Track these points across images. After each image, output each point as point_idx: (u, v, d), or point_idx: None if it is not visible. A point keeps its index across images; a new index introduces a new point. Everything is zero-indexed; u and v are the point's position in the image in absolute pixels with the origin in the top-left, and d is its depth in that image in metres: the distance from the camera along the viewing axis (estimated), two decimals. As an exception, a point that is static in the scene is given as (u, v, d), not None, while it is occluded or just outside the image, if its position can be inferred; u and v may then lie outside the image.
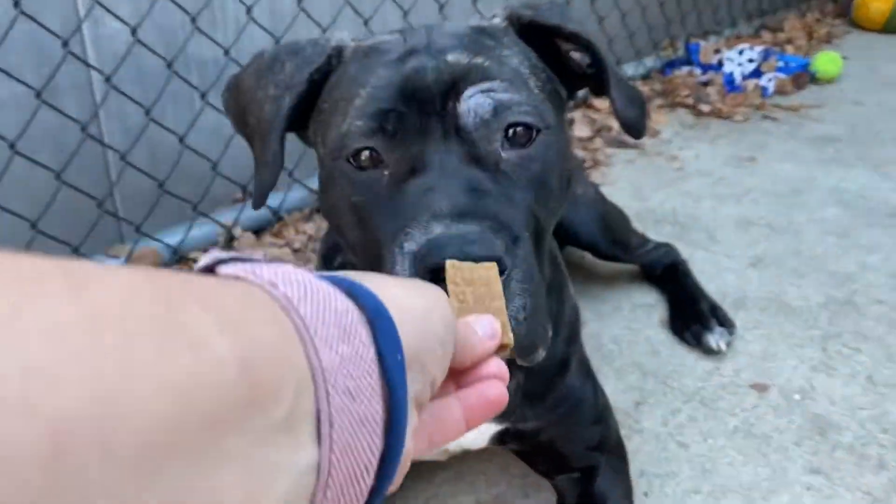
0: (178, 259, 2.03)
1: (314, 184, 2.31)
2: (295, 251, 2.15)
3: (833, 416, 1.64)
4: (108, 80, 1.76)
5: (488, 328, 0.61)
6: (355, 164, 0.90)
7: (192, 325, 0.32)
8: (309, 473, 0.38)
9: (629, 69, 3.47)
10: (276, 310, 0.39)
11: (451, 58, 0.90)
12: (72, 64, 1.74)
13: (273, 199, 2.21)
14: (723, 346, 1.79)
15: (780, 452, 1.54)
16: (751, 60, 3.49)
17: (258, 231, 2.18)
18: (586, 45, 1.01)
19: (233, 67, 2.02)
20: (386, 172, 0.89)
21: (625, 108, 1.01)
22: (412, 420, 0.46)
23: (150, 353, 0.29)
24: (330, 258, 1.24)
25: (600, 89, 1.04)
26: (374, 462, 0.41)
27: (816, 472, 1.50)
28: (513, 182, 0.88)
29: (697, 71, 3.51)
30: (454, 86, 0.88)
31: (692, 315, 1.86)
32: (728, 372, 1.77)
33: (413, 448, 0.47)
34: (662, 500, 1.43)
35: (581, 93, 1.37)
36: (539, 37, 1.02)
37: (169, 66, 1.86)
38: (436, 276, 0.72)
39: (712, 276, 2.09)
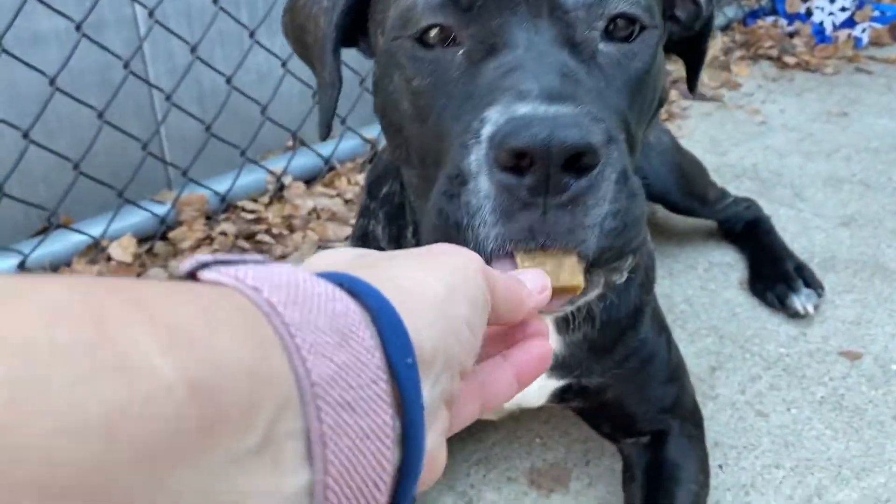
0: (226, 207, 1.96)
1: (368, 133, 2.20)
2: (346, 201, 2.04)
3: (938, 390, 1.45)
4: (151, 14, 1.67)
5: (538, 281, 0.54)
6: (421, 44, 0.74)
7: (126, 346, 0.28)
8: (299, 498, 0.34)
9: (708, 20, 3.23)
10: (257, 318, 0.34)
11: None
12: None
13: (325, 148, 2.11)
14: (810, 309, 1.61)
15: (874, 427, 1.37)
16: (843, 9, 3.21)
17: (309, 181, 2.09)
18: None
19: (282, 4, 1.92)
20: (460, 52, 0.73)
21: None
22: (437, 422, 0.43)
23: (62, 383, 0.26)
24: (376, 188, 1.12)
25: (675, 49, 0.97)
26: (387, 476, 0.37)
27: (918, 450, 1.32)
28: (608, 79, 0.74)
29: (783, 21, 3.25)
30: None
31: (776, 275, 1.68)
32: (815, 338, 1.59)
33: (441, 452, 0.45)
34: (739, 475, 1.28)
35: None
36: None
37: (215, 1, 1.76)
38: (517, 164, 0.59)
39: (798, 235, 1.90)
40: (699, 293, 1.73)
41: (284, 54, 1.95)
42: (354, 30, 0.90)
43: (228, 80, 1.85)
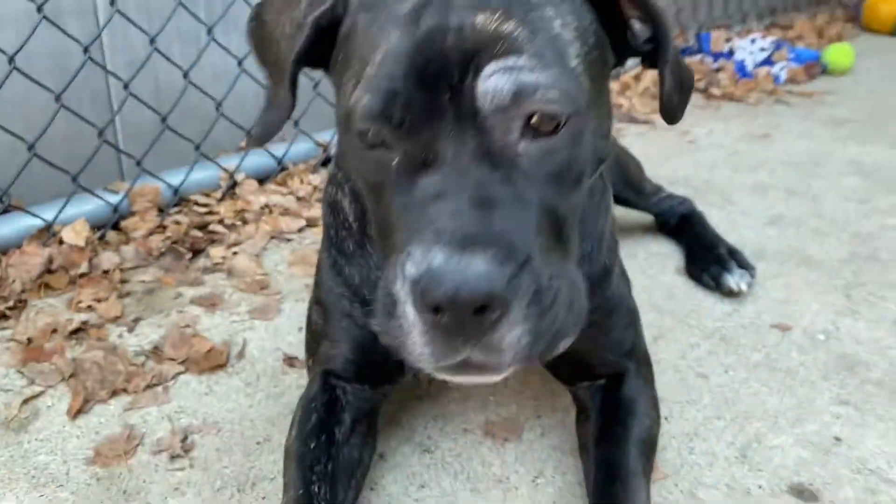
0: (179, 201, 1.97)
1: (321, 137, 2.26)
2: (299, 199, 2.09)
3: (861, 355, 1.55)
4: (112, 2, 1.71)
5: None
6: (363, 143, 0.83)
7: None
8: None
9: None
10: None
11: (478, 20, 0.79)
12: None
13: (278, 149, 2.16)
14: (743, 287, 1.72)
15: (806, 385, 1.46)
16: (762, 49, 3.47)
17: (262, 179, 2.13)
18: (653, 16, 0.92)
19: (240, 4, 1.99)
20: (395, 160, 0.81)
21: (672, 90, 0.94)
22: None
23: None
24: (342, 161, 1.17)
25: (653, 63, 0.96)
26: None
27: (845, 403, 1.41)
28: (529, 179, 0.80)
29: (709, 59, 3.48)
30: (474, 58, 0.78)
31: (710, 258, 1.79)
32: (749, 313, 1.69)
33: None
34: (683, 425, 1.35)
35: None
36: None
37: (176, -6, 1.83)
38: (434, 311, 0.73)
39: (729, 231, 2.02)
40: (640, 277, 1.82)
41: (241, 53, 2.01)
42: (320, 56, 0.94)
43: (185, 75, 1.89)
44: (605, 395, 1.21)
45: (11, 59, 1.59)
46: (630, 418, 1.17)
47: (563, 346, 0.82)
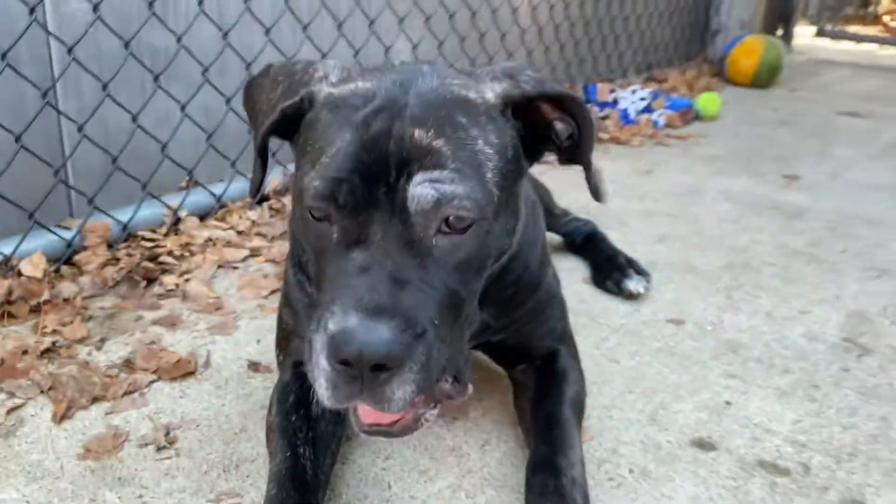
0: (127, 236, 2.10)
1: (256, 177, 2.43)
2: (239, 233, 2.25)
3: (742, 339, 1.85)
4: (70, 50, 1.86)
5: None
6: (311, 216, 1.03)
7: None
8: None
9: (536, 105, 3.79)
10: None
11: (416, 133, 0.98)
12: (32, 37, 1.85)
13: (217, 188, 2.32)
14: (641, 290, 2.00)
15: (699, 365, 1.74)
16: (642, 99, 3.89)
17: (203, 216, 2.27)
18: (574, 114, 1.08)
19: (183, 56, 2.16)
20: (335, 234, 1.02)
21: (595, 175, 1.14)
22: None
23: None
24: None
25: (570, 159, 1.14)
26: None
27: (732, 376, 1.69)
28: (439, 266, 1.00)
29: (596, 108, 3.87)
30: (408, 165, 0.97)
31: (612, 267, 2.07)
32: (647, 311, 1.97)
33: None
34: (601, 399, 1.59)
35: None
36: (527, 107, 1.08)
37: (126, 45, 1.98)
38: (341, 362, 0.92)
39: (624, 248, 2.30)
40: (554, 288, 2.07)
41: (183, 99, 2.18)
42: (284, 129, 1.14)
43: (134, 119, 2.04)
44: (541, 370, 1.44)
45: (-24, 103, 1.71)
46: (563, 384, 1.40)
47: (460, 397, 1.11)
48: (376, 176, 0.97)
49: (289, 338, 1.39)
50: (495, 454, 1.41)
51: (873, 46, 7.56)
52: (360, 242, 0.98)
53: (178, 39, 2.13)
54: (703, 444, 1.46)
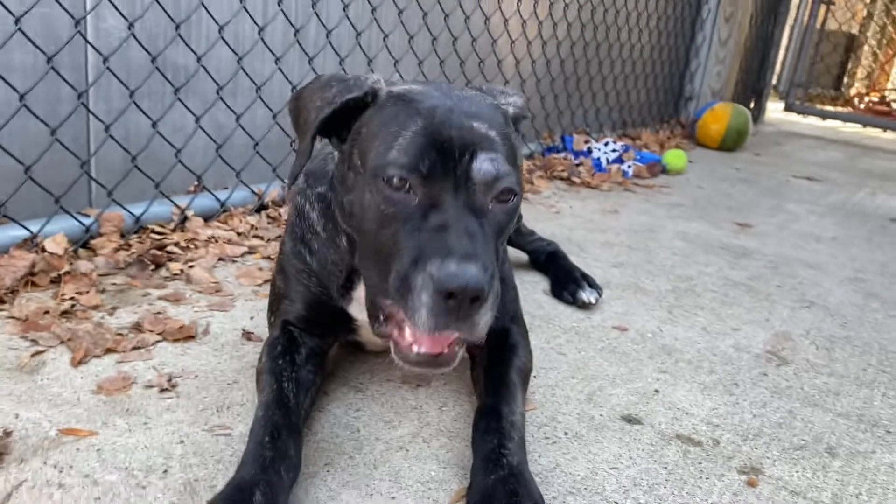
0: (139, 228, 2.34)
1: (257, 187, 2.70)
2: (239, 234, 2.50)
3: (677, 345, 2.11)
4: (104, 60, 2.14)
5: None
6: (390, 185, 1.27)
7: None
8: None
9: (516, 150, 4.13)
10: None
11: (475, 125, 1.26)
12: (73, 46, 2.13)
13: (222, 194, 2.58)
14: (592, 300, 2.26)
15: (636, 361, 1.99)
16: (614, 150, 4.21)
17: (207, 218, 2.53)
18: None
19: (201, 74, 2.45)
20: (415, 200, 1.27)
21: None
22: None
23: None
24: (313, 181, 1.60)
25: None
26: None
27: (664, 372, 1.94)
28: (492, 227, 1.28)
29: (571, 156, 4.19)
30: (472, 146, 1.24)
31: (568, 280, 2.33)
32: (596, 319, 2.23)
33: None
34: (546, 380, 1.83)
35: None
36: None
37: (153, 60, 2.27)
38: (450, 295, 1.13)
39: (583, 269, 2.58)
40: (516, 296, 2.33)
41: (198, 112, 2.46)
42: (335, 129, 1.41)
43: (154, 125, 2.31)
44: (493, 344, 1.67)
45: (23, 97, 1.97)
46: (512, 355, 1.64)
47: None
48: (448, 153, 1.23)
49: (280, 300, 1.63)
50: (451, 413, 1.65)
51: (838, 123, 8.03)
52: (434, 206, 1.23)
53: (198, 59, 2.42)
54: (631, 420, 1.70)
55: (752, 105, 7.16)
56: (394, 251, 1.24)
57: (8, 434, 1.38)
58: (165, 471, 1.34)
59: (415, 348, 1.28)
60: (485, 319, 1.20)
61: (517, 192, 1.31)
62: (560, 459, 1.51)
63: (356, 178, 1.33)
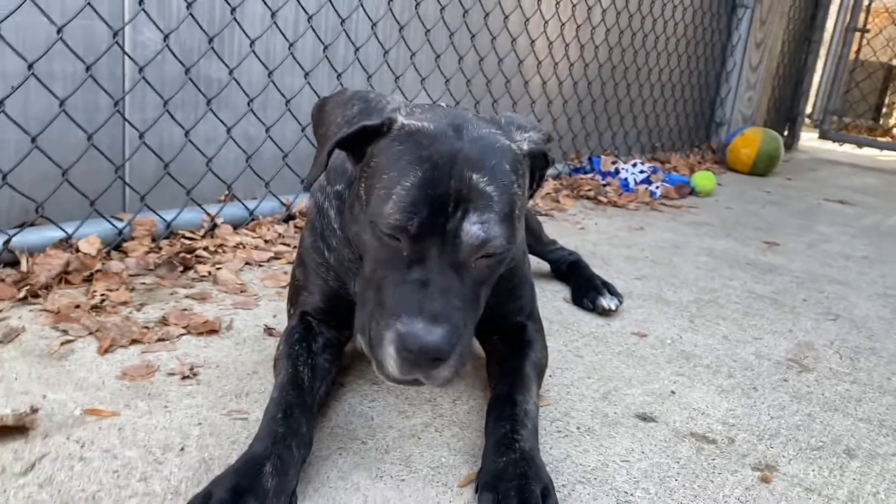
0: (169, 234, 2.42)
1: (285, 197, 2.77)
2: (266, 241, 2.56)
3: (696, 351, 2.11)
4: (140, 70, 2.24)
5: None
6: (385, 234, 1.31)
7: None
8: None
9: (543, 170, 4.17)
10: None
11: (474, 178, 1.26)
12: (111, 56, 2.23)
13: (251, 203, 2.65)
14: (613, 307, 2.27)
15: (654, 365, 1.99)
16: (642, 172, 4.22)
17: (236, 226, 2.60)
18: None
19: (233, 87, 2.54)
20: (404, 252, 1.30)
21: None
22: None
23: None
24: (334, 178, 1.65)
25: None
26: None
27: (681, 375, 1.94)
28: (474, 281, 1.29)
29: (598, 177, 4.21)
30: (465, 202, 1.25)
31: (589, 287, 2.35)
32: (616, 326, 2.24)
33: None
34: (562, 380, 1.84)
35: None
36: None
37: (186, 72, 2.36)
38: (408, 353, 1.19)
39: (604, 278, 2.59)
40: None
41: (230, 123, 2.54)
42: (351, 145, 1.44)
43: (187, 134, 2.40)
44: (510, 339, 1.70)
45: (62, 104, 2.07)
46: (528, 349, 1.66)
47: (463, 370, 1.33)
48: (440, 209, 1.25)
49: (299, 292, 1.67)
50: (464, 406, 1.67)
51: (875, 151, 7.94)
52: (419, 261, 1.26)
53: (230, 72, 2.51)
54: (645, 418, 1.70)
55: (785, 132, 7.12)
56: (377, 296, 1.29)
57: (35, 411, 1.43)
58: (182, 449, 1.38)
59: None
60: (446, 373, 1.24)
61: (504, 251, 1.31)
62: (571, 451, 1.52)
63: (361, 211, 1.37)
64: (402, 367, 1.22)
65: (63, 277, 2.06)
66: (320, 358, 1.56)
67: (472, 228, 1.24)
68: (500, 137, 1.36)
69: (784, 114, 7.16)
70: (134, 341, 1.78)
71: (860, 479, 1.53)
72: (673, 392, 1.84)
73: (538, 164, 1.48)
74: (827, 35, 7.58)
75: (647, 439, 1.60)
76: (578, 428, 1.62)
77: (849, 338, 2.34)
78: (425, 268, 1.25)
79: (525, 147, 1.41)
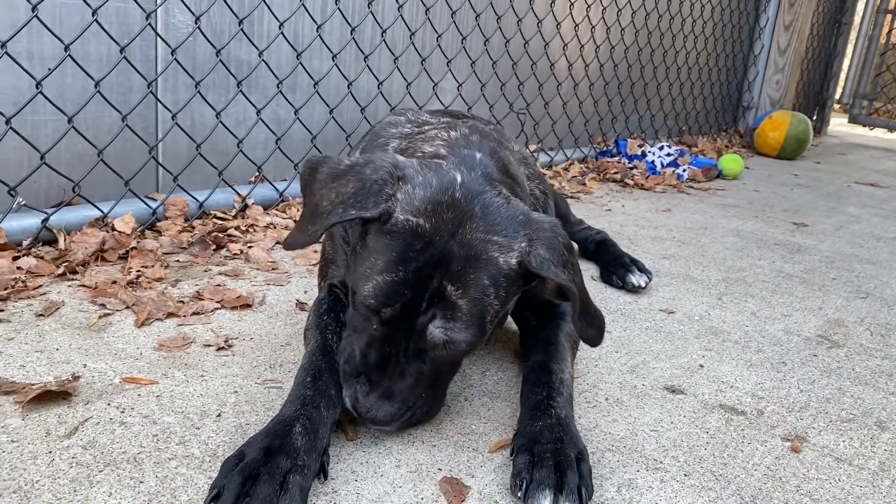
0: (202, 214, 2.46)
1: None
2: (296, 222, 2.59)
3: (724, 327, 2.10)
4: (172, 52, 2.27)
5: None
6: (362, 306, 1.35)
7: None
8: None
9: (569, 153, 4.15)
10: None
11: (448, 289, 1.27)
12: (144, 38, 2.27)
13: (280, 185, 2.68)
14: (642, 283, 2.28)
15: (682, 340, 1.99)
16: (669, 155, 4.20)
17: (266, 207, 2.63)
18: (568, 294, 1.32)
19: (262, 69, 2.57)
20: (374, 329, 1.35)
21: (584, 329, 1.38)
22: None
23: None
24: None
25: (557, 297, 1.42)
26: None
27: (709, 350, 1.94)
28: (434, 366, 1.35)
29: (625, 161, 4.20)
30: (436, 307, 1.28)
31: (618, 265, 2.35)
32: (644, 303, 2.24)
33: None
34: (590, 354, 1.85)
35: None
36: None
37: (217, 53, 2.40)
38: (359, 415, 1.33)
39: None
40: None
41: (259, 105, 2.58)
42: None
43: (217, 115, 2.43)
44: (543, 313, 1.71)
45: (97, 84, 2.11)
46: (561, 321, 1.67)
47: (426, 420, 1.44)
48: (412, 306, 1.29)
49: (328, 265, 1.70)
50: (493, 377, 1.69)
51: (908, 135, 7.81)
52: (386, 341, 1.33)
53: (260, 54, 2.54)
54: (674, 390, 1.71)
55: (814, 116, 7.03)
56: (352, 342, 1.40)
57: (76, 378, 1.47)
58: (219, 415, 1.42)
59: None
60: (395, 427, 1.37)
61: (464, 350, 1.36)
62: (600, 421, 1.53)
63: (352, 272, 1.40)
64: (358, 411, 1.35)
65: (99, 255, 2.10)
66: (347, 327, 1.59)
67: (436, 332, 1.30)
68: (491, 248, 1.31)
69: (813, 98, 7.07)
70: (170, 314, 1.82)
71: (892, 449, 1.53)
72: (701, 366, 1.85)
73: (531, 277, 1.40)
74: (857, 17, 7.46)
75: (675, 410, 1.61)
76: (607, 399, 1.63)
77: (879, 315, 2.32)
78: (389, 349, 1.33)
79: (513, 262, 1.31)
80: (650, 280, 2.33)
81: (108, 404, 1.42)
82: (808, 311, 2.29)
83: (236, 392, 1.51)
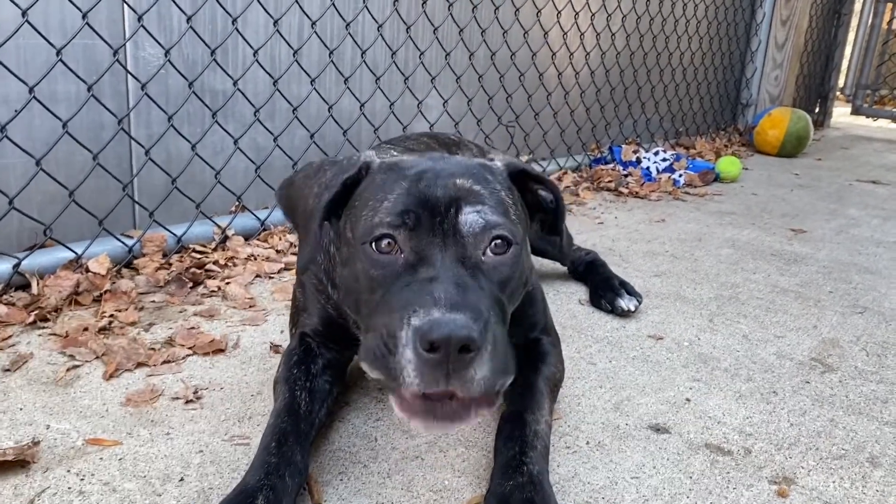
0: (180, 248, 2.42)
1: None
2: (278, 251, 2.55)
3: (714, 354, 2.05)
4: (143, 87, 2.23)
5: None
6: (377, 249, 1.27)
7: None
8: None
9: (562, 162, 4.09)
10: None
11: (458, 181, 1.26)
12: (113, 74, 2.22)
13: (262, 213, 2.64)
14: (631, 307, 2.22)
15: (669, 370, 1.94)
16: (664, 160, 4.13)
17: (248, 237, 2.59)
18: (548, 185, 1.45)
19: (238, 98, 2.52)
20: (402, 257, 1.23)
21: (566, 241, 1.44)
22: None
23: None
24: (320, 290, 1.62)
25: (551, 229, 1.50)
26: None
27: (697, 380, 1.89)
28: (488, 279, 1.23)
29: (619, 168, 4.13)
30: (457, 201, 1.23)
31: (607, 288, 2.30)
32: (632, 328, 2.18)
33: None
34: (573, 390, 1.80)
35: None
36: (521, 180, 1.42)
37: (190, 85, 2.35)
38: (432, 346, 1.05)
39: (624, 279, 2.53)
40: (550, 306, 2.30)
41: (237, 134, 2.53)
42: (332, 211, 1.39)
43: (193, 148, 2.39)
44: (525, 354, 1.66)
45: (65, 125, 2.07)
46: (542, 364, 1.62)
47: (505, 384, 1.20)
48: (433, 210, 1.23)
49: (299, 313, 1.65)
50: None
51: (913, 125, 7.70)
52: (422, 262, 1.21)
53: (235, 83, 2.49)
54: (658, 429, 1.66)
55: (816, 109, 6.93)
56: (383, 314, 1.19)
57: (36, 444, 1.43)
58: (182, 479, 1.37)
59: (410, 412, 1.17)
60: (480, 373, 1.09)
61: (513, 241, 1.26)
62: (579, 469, 1.48)
63: (349, 250, 1.32)
64: (426, 373, 1.07)
65: (73, 298, 2.06)
66: (320, 380, 1.54)
67: (469, 217, 1.22)
68: (474, 160, 1.39)
69: (814, 91, 6.97)
70: (140, 364, 1.78)
71: (884, 489, 1.47)
72: (688, 400, 1.79)
73: (526, 187, 1.44)
74: (857, 6, 7.35)
75: (659, 453, 1.56)
76: (588, 443, 1.58)
77: (876, 332, 2.26)
78: (431, 267, 1.18)
79: (499, 164, 1.39)
80: (640, 303, 2.27)
81: (68, 471, 1.37)
82: (801, 331, 2.23)
83: (202, 451, 1.47)
